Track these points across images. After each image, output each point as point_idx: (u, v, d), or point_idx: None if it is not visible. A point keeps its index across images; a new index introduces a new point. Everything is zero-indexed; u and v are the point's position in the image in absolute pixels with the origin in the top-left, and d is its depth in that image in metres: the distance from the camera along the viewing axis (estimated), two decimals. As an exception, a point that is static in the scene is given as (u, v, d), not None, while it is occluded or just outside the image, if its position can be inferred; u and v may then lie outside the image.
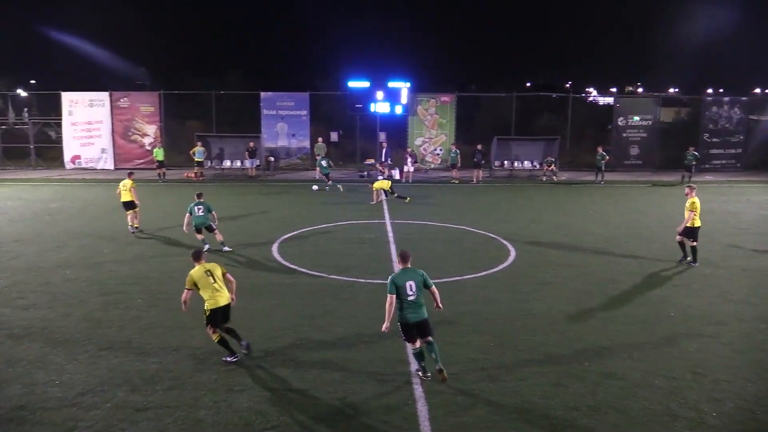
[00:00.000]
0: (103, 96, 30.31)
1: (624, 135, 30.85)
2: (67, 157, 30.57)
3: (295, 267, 12.98)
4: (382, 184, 21.54)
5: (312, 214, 19.01)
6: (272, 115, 30.43)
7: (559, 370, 8.09)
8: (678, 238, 13.51)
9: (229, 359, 8.31)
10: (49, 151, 31.96)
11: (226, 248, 14.24)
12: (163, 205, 20.39)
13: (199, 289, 8.22)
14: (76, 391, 7.53)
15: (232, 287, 8.56)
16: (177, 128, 33.12)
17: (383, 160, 28.06)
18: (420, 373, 7.82)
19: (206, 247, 14.00)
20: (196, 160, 27.51)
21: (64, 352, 8.68)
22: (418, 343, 7.66)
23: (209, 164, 29.11)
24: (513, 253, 14.30)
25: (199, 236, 14.18)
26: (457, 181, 27.00)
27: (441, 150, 30.70)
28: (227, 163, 29.40)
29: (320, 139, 28.74)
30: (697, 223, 13.14)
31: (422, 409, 7.07)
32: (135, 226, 16.40)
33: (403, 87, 28.92)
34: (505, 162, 29.57)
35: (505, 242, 15.39)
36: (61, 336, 9.29)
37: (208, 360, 8.41)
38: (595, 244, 15.32)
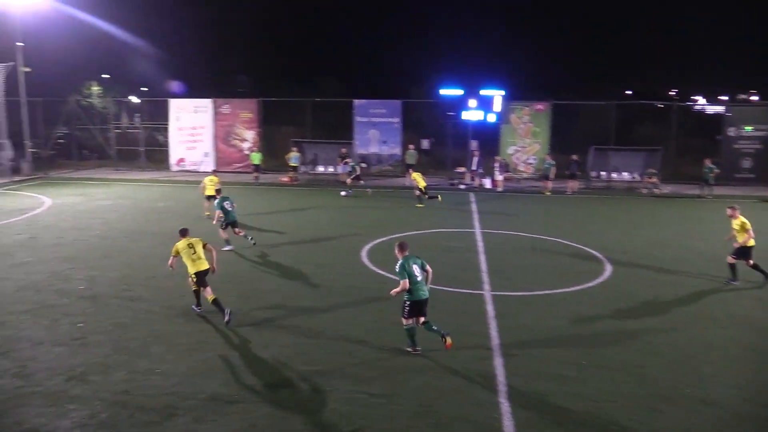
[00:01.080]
0: (207, 103, 32.02)
1: (735, 146, 28.79)
2: (172, 159, 32.53)
3: (383, 273, 13.07)
4: (420, 180, 21.77)
5: (401, 221, 19.11)
6: (365, 122, 30.93)
7: (655, 394, 7.64)
8: (731, 260, 12.47)
9: (196, 309, 10.43)
10: (157, 154, 34.16)
11: (227, 247, 14.76)
12: (257, 208, 21.22)
13: (182, 257, 10.19)
14: (174, 381, 7.96)
15: (213, 256, 10.45)
16: (273, 134, 34.40)
17: (474, 168, 27.79)
18: (410, 348, 8.74)
19: (230, 247, 14.81)
20: (290, 165, 28.42)
21: (165, 343, 9.21)
22: (413, 321, 8.62)
23: (303, 169, 29.98)
24: (608, 269, 13.70)
25: (225, 235, 14.93)
26: (549, 192, 26.24)
27: (534, 159, 29.98)
28: (320, 169, 30.15)
29: (411, 146, 28.88)
30: (751, 243, 12.25)
31: (508, 424, 6.90)
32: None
33: (496, 95, 28.52)
34: (603, 173, 28.43)
35: (600, 256, 14.77)
36: (162, 328, 9.87)
37: (294, 359, 8.63)
38: (699, 262, 14.35)
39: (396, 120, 30.70)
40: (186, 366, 8.43)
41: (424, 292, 8.59)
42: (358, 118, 30.94)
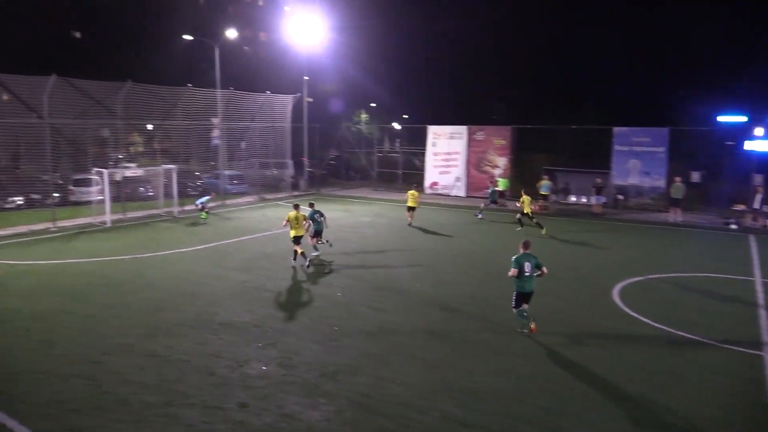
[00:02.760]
0: (462, 129, 33.05)
1: None
2: (427, 182, 34.23)
3: (637, 315, 11.87)
4: (527, 205, 21.23)
5: (661, 260, 17.22)
6: (624, 152, 28.84)
7: None
8: None
9: (306, 264, 14.83)
10: (413, 177, 36.23)
11: (314, 253, 16.34)
12: (498, 232, 21.07)
13: (290, 224, 15.27)
14: (411, 393, 8.19)
15: (307, 226, 15.86)
16: (525, 161, 34.03)
17: (756, 207, 23.94)
18: (520, 329, 10.56)
19: (317, 253, 16.44)
20: (541, 193, 27.72)
21: (405, 356, 9.56)
22: (524, 306, 10.45)
23: (554, 198, 29.08)
24: None
25: (313, 241, 16.64)
26: None
27: (840, 199, 24.70)
28: (572, 198, 28.93)
29: (678, 178, 25.99)
30: None
31: None
32: (409, 223, 21.86)
33: (791, 122, 24.32)
34: None
35: None
36: (404, 341, 10.28)
37: (531, 392, 8.25)
38: None
39: (661, 149, 28.01)
40: (423, 381, 8.62)
41: (531, 285, 10.42)
42: (617, 147, 28.97)
